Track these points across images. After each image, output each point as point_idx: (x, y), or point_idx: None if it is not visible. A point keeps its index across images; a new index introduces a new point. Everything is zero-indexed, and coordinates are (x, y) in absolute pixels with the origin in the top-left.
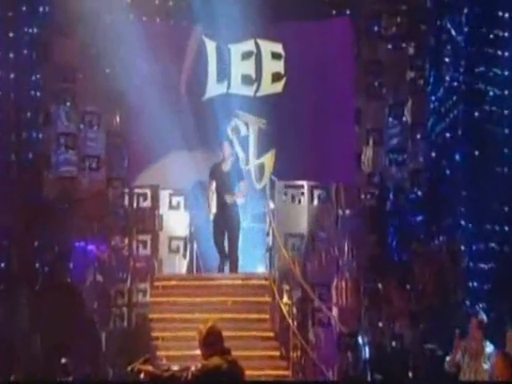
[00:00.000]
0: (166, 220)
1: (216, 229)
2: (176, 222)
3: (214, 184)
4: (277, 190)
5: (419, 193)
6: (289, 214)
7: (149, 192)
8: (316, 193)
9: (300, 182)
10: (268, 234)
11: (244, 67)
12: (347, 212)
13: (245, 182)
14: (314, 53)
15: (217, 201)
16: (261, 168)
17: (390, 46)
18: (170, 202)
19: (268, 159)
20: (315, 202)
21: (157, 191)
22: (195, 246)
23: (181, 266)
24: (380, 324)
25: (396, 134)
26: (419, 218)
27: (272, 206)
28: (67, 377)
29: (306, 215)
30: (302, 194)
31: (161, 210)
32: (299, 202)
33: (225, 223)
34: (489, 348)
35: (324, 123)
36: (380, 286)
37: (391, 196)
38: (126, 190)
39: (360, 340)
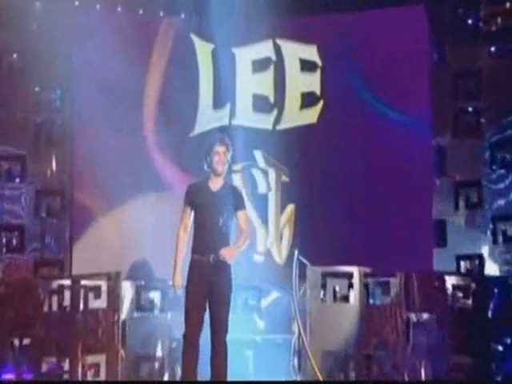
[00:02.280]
0: (133, 330)
1: (189, 302)
2: (148, 332)
3: (190, 215)
4: (310, 280)
5: None
6: (329, 319)
7: (104, 284)
8: (373, 286)
9: (347, 269)
10: (296, 353)
11: (257, 84)
12: (424, 317)
13: (246, 215)
14: (367, 62)
15: (196, 245)
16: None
17: (492, 49)
18: (139, 299)
19: (287, 227)
20: (371, 300)
21: (117, 282)
22: (178, 371)
23: None
24: None
25: (503, 191)
26: None
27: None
28: None
29: (356, 322)
30: (351, 287)
31: (123, 313)
32: (345, 300)
33: (205, 290)
34: None
35: (383, 174)
36: None
37: (497, 293)
38: (67, 282)
39: None
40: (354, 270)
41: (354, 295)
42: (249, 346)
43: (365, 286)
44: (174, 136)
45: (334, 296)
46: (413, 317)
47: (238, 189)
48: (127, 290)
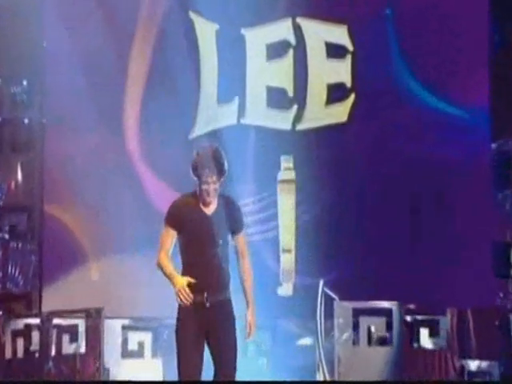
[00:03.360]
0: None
1: (183, 339)
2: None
3: (173, 241)
4: (338, 318)
5: None
6: (362, 367)
7: (82, 323)
8: (417, 326)
9: (384, 305)
10: None
11: (272, 73)
12: (483, 366)
13: (245, 238)
14: (411, 45)
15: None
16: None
17: None
18: (126, 342)
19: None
20: (415, 344)
21: (98, 321)
22: None
23: None
24: None
25: None
26: None
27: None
28: None
29: (395, 371)
30: (389, 327)
31: (107, 359)
32: (383, 343)
33: (203, 331)
34: None
35: (429, 186)
36: None
37: None
38: (35, 321)
39: None
40: (394, 306)
41: (393, 337)
42: None
43: (407, 326)
44: (165, 142)
45: (369, 338)
46: (469, 365)
47: (236, 204)
48: (111, 330)
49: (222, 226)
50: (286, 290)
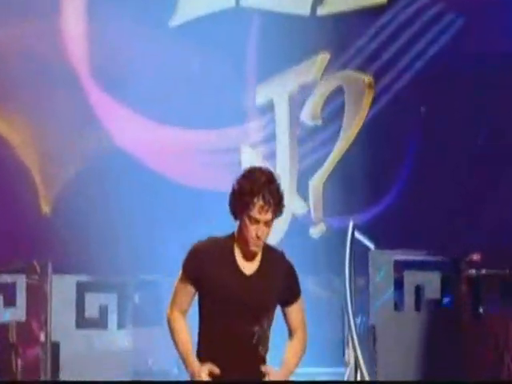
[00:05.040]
0: (71, 358)
1: None
2: (97, 361)
3: (191, 299)
4: (374, 271)
5: None
6: (407, 337)
7: (22, 281)
8: (483, 283)
9: (436, 256)
10: None
11: None
12: None
13: (301, 308)
14: None
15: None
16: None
17: None
18: (81, 307)
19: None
20: (481, 307)
21: (44, 278)
22: None
23: None
24: None
25: None
26: None
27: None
28: None
29: (453, 341)
30: (446, 284)
31: (55, 330)
32: (436, 305)
33: None
34: None
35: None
36: None
37: None
38: None
39: None
40: (450, 258)
41: (451, 298)
42: None
43: (470, 283)
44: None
45: (418, 299)
46: None
47: (291, 265)
48: (62, 290)
49: (267, 294)
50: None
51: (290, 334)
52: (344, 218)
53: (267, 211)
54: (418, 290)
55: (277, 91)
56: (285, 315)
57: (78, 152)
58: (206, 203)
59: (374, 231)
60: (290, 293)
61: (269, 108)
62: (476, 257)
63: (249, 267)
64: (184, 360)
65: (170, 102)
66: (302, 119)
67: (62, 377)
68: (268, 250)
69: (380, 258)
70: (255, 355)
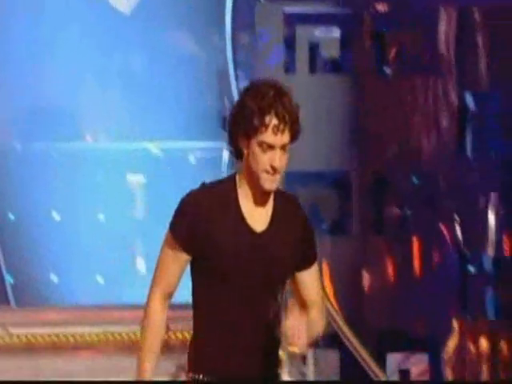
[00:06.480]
0: None
1: None
2: None
3: (181, 270)
4: None
5: None
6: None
7: None
8: None
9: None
10: None
11: None
12: None
13: (318, 272)
14: None
15: (206, 353)
16: None
17: None
18: None
19: None
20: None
21: None
22: None
23: None
24: None
25: None
26: None
27: None
28: None
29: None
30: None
31: None
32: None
33: None
34: None
35: None
36: None
37: None
38: None
39: None
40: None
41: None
42: None
43: (374, 40)
44: None
45: (312, 60)
46: None
47: (306, 216)
48: None
49: (284, 258)
50: None
51: (302, 311)
52: None
53: (283, 131)
54: (313, 49)
55: None
56: (296, 285)
57: None
58: None
59: None
60: (306, 253)
61: None
62: (381, 7)
63: (259, 220)
64: (138, 365)
65: None
66: None
67: None
68: (280, 195)
69: (268, 11)
70: (273, 338)
